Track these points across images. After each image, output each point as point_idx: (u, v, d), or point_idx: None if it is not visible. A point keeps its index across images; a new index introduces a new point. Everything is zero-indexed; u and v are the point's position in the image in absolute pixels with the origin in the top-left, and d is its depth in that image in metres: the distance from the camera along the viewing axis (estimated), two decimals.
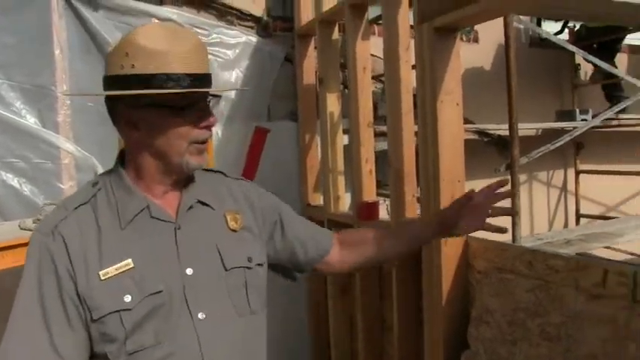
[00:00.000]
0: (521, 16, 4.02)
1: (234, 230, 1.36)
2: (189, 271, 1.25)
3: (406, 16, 2.55)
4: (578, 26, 5.38)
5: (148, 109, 1.22)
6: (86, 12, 3.07)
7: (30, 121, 2.93)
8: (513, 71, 2.90)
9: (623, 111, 4.89)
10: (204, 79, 1.25)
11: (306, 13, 3.49)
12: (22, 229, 2.38)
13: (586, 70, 5.50)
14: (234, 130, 3.40)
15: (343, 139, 3.26)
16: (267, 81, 3.54)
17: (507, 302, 2.06)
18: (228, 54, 3.44)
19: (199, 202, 1.34)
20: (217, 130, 3.34)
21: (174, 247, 1.26)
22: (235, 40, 3.47)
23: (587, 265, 1.80)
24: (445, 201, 2.14)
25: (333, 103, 3.23)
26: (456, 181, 2.17)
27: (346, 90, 3.26)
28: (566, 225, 5.62)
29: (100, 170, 3.05)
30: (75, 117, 3.07)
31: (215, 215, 1.36)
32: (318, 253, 1.57)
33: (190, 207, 1.32)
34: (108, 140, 3.20)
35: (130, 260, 1.21)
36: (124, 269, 1.20)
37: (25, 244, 2.18)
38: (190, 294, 1.24)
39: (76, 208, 1.25)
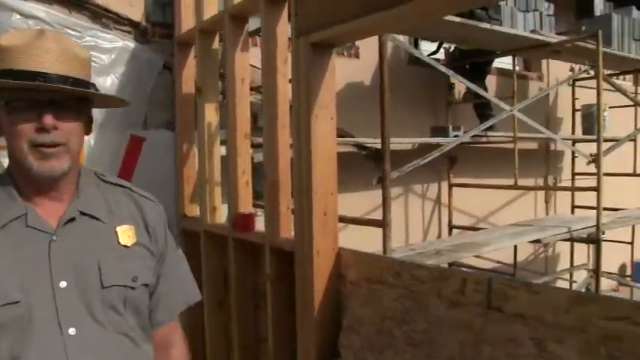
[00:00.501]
0: (397, 35, 4.19)
1: (125, 246, 1.32)
2: (62, 284, 1.21)
3: (285, 30, 2.58)
4: (452, 47, 5.69)
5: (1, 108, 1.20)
6: None
7: None
8: (387, 87, 3.01)
9: (492, 129, 5.22)
10: (57, 80, 1.20)
11: (186, 21, 3.42)
12: None
13: (460, 89, 5.82)
14: (108, 138, 3.25)
15: (220, 150, 3.23)
16: (145, 88, 3.43)
17: (376, 311, 2.12)
18: (103, 58, 3.30)
19: (83, 214, 1.29)
20: (90, 138, 3.20)
21: (46, 258, 1.21)
22: (111, 45, 3.33)
23: (448, 274, 1.90)
24: (318, 213, 2.18)
25: (211, 114, 3.19)
26: (329, 194, 2.21)
27: (225, 100, 3.24)
28: (439, 235, 5.90)
29: None
30: None
31: (104, 229, 1.31)
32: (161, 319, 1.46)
33: (72, 219, 1.27)
34: None
35: None
36: None
37: None
38: (62, 308, 1.20)
39: None
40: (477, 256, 4.90)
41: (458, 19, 4.07)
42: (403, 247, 4.28)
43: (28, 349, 1.16)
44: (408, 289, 2.01)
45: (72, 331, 1.20)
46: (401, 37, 5.18)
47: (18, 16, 3.02)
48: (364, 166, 4.35)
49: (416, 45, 5.48)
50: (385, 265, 2.12)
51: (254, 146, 3.05)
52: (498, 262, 5.96)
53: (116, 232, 1.32)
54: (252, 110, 3.01)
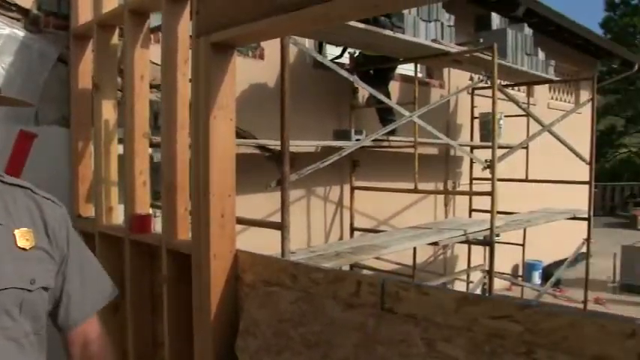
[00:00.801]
0: (299, 38, 4.21)
1: (23, 249, 1.29)
2: None
3: (186, 28, 2.53)
4: (357, 53, 5.79)
5: None
6: None
7: None
8: (289, 90, 3.02)
9: (393, 133, 5.36)
10: None
11: (84, 13, 3.28)
12: None
13: (364, 93, 5.94)
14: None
15: (118, 149, 3.12)
16: (36, 81, 3.25)
17: (273, 314, 2.11)
18: None
19: None
20: None
21: None
22: None
23: (344, 277, 1.93)
24: (215, 215, 2.15)
25: (108, 111, 3.08)
26: (227, 196, 2.19)
27: (123, 97, 3.13)
28: (341, 238, 5.98)
29: None
30: None
31: (0, 231, 1.27)
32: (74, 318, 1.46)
33: None
34: None
35: None
36: None
37: None
38: None
39: None
40: (378, 258, 5.01)
41: (362, 26, 4.15)
42: (304, 249, 4.30)
43: None
44: (305, 292, 2.02)
45: None
46: (306, 41, 5.23)
47: None
48: (267, 167, 4.34)
49: (320, 48, 5.53)
50: (282, 267, 2.12)
51: (153, 145, 2.97)
52: (399, 263, 6.12)
53: (14, 235, 1.29)
54: (153, 109, 2.94)
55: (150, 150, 2.90)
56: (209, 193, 2.14)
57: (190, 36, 2.45)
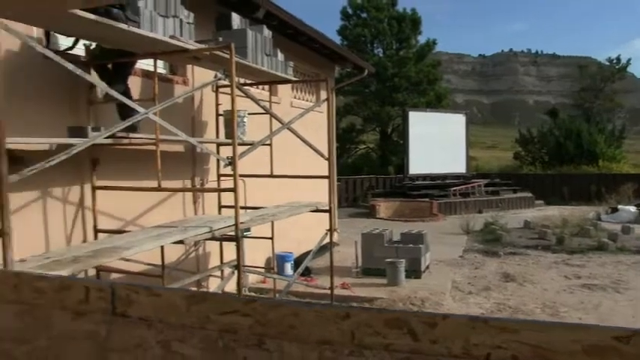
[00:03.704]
0: (17, 24, 3.82)
1: None
2: None
3: None
4: (94, 45, 5.48)
5: None
6: None
7: None
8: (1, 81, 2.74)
9: (134, 130, 5.18)
10: None
11: None
12: None
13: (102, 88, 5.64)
14: None
15: None
16: None
17: None
18: None
19: None
20: None
21: None
22: None
23: (70, 284, 1.82)
24: None
25: None
26: None
27: None
28: (84, 240, 5.63)
29: None
30: None
31: None
32: None
33: None
34: None
35: None
36: None
37: None
38: None
39: None
40: (127, 260, 4.81)
41: (92, 17, 3.90)
42: (39, 255, 3.95)
43: None
44: (29, 304, 1.86)
45: None
46: (34, 29, 4.81)
47: None
48: None
49: (48, 38, 5.11)
50: (1, 278, 1.92)
51: None
52: (149, 264, 5.95)
53: None
54: None
55: None
56: None
57: None
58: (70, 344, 1.79)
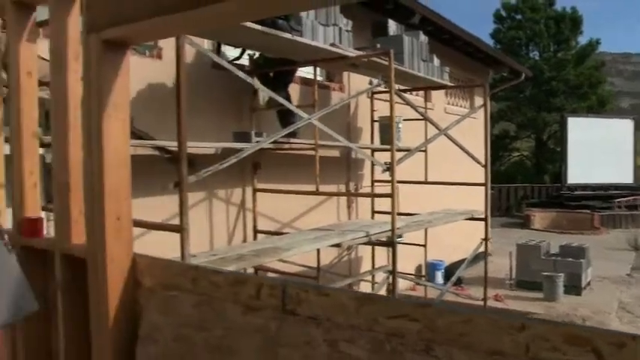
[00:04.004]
0: (194, 38, 4.13)
1: None
2: None
3: (77, 23, 2.41)
4: (257, 54, 5.77)
5: None
6: None
7: None
8: (186, 90, 2.96)
9: (294, 136, 5.38)
10: None
11: None
12: None
13: (265, 95, 5.91)
14: None
15: (5, 149, 2.94)
16: None
17: (174, 319, 2.06)
18: None
19: None
20: None
21: None
22: None
23: (244, 280, 1.91)
24: (111, 218, 2.07)
25: None
26: (122, 198, 2.11)
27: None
28: (244, 240, 5.93)
29: None
30: None
31: None
32: None
33: None
34: None
35: None
36: None
37: None
38: None
39: None
40: (283, 261, 5.01)
41: (259, 28, 4.13)
42: (206, 252, 4.23)
43: None
44: (205, 295, 1.99)
45: None
46: (205, 41, 5.15)
47: None
48: (167, 170, 4.24)
49: (219, 49, 5.46)
50: (181, 270, 2.08)
51: (45, 145, 2.82)
52: (304, 265, 6.14)
53: None
54: (44, 107, 2.79)
55: (41, 150, 2.75)
56: (103, 195, 2.05)
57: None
58: (242, 336, 1.88)
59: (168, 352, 2.08)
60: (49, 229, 2.81)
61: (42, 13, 2.80)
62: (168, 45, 4.66)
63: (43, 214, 2.76)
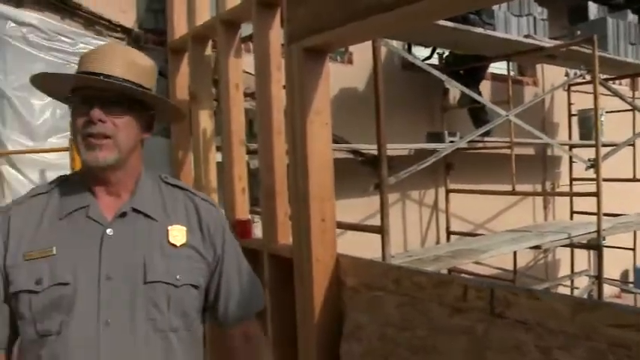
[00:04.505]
0: (390, 40, 4.17)
1: (174, 245, 1.36)
2: (107, 275, 1.28)
3: (278, 35, 2.56)
4: (446, 53, 5.68)
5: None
6: None
7: None
8: (382, 93, 2.99)
9: (488, 134, 5.21)
10: (106, 78, 1.30)
11: (179, 28, 3.41)
12: None
13: (454, 94, 5.81)
14: None
15: (216, 156, 3.21)
16: None
17: (377, 318, 2.09)
18: None
19: (135, 210, 1.36)
20: None
21: (97, 248, 1.30)
22: None
23: (449, 281, 1.88)
24: (316, 219, 2.15)
25: (205, 120, 3.17)
26: (326, 200, 2.18)
27: (219, 107, 3.22)
28: (437, 241, 5.87)
29: None
30: None
31: (155, 227, 1.36)
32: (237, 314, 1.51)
33: (124, 214, 1.35)
34: None
35: (54, 248, 1.29)
36: (46, 254, 1.28)
37: None
38: (104, 298, 1.27)
39: (33, 196, 1.39)
40: (477, 263, 4.87)
41: (451, 24, 4.05)
42: (401, 253, 4.24)
43: (69, 329, 1.25)
44: (409, 296, 1.98)
45: (108, 320, 1.26)
46: (394, 43, 5.18)
47: (12, 24, 3.02)
48: (360, 172, 4.32)
49: (409, 50, 5.46)
50: (384, 271, 2.09)
51: (250, 152, 3.03)
52: (498, 268, 5.92)
53: (167, 231, 1.37)
54: (248, 117, 2.99)
55: (246, 157, 2.95)
56: (309, 197, 2.14)
57: (282, 44, 2.48)
58: (446, 337, 1.85)
59: (372, 350, 2.11)
60: (254, 231, 2.99)
61: (245, 29, 3.02)
62: (358, 50, 4.76)
63: (249, 217, 2.95)
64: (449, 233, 5.95)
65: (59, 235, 1.31)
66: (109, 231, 1.32)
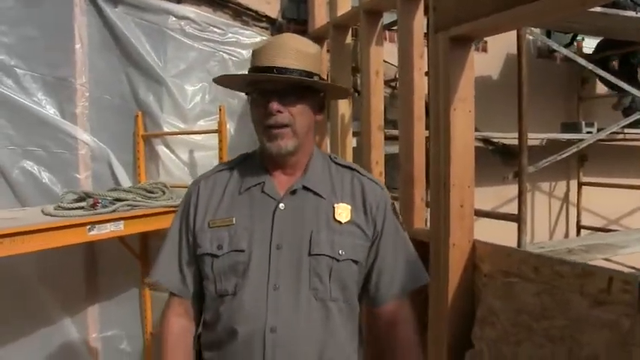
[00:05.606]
0: (532, 29, 4.07)
1: (339, 222, 1.47)
2: (277, 245, 1.42)
3: (421, 25, 2.62)
4: (585, 39, 5.43)
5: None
6: (107, 8, 3.13)
7: (50, 111, 3.00)
8: (524, 81, 2.96)
9: (629, 125, 4.94)
10: (279, 71, 1.41)
11: (320, 17, 3.55)
12: (44, 214, 2.46)
13: (594, 83, 5.57)
14: (246, 127, 3.43)
15: (353, 142, 3.32)
16: None
17: (512, 304, 2.10)
18: (243, 53, 3.50)
19: (305, 188, 1.48)
20: (230, 127, 3.40)
21: (270, 220, 1.44)
22: (250, 40, 3.52)
23: (593, 271, 1.84)
24: (455, 205, 2.20)
25: (344, 106, 3.28)
26: (466, 187, 2.23)
27: (357, 93, 3.32)
28: (566, 235, 5.67)
29: (114, 161, 3.17)
30: (92, 109, 3.15)
31: (322, 204, 1.48)
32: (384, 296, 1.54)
33: (294, 191, 1.48)
34: (122, 131, 3.32)
35: (234, 218, 1.46)
36: (226, 223, 1.46)
37: (47, 230, 2.25)
38: (273, 265, 1.41)
39: (218, 171, 1.57)
40: (607, 260, 4.65)
41: (599, 9, 3.87)
42: (530, 244, 4.15)
43: (243, 290, 1.41)
44: (548, 284, 1.98)
45: (276, 286, 1.40)
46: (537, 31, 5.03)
47: (173, 18, 3.29)
48: (492, 160, 4.28)
49: (548, 37, 5.27)
50: (522, 258, 2.10)
51: (386, 138, 3.11)
52: (631, 267, 5.63)
53: (333, 208, 1.48)
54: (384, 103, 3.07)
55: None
56: (449, 183, 2.19)
57: (425, 33, 2.54)
58: (587, 329, 1.82)
59: (505, 336, 2.13)
60: None
61: (385, 18, 3.09)
62: (492, 38, 4.68)
63: None
64: (579, 227, 5.72)
65: (238, 207, 1.47)
66: (281, 205, 1.45)
